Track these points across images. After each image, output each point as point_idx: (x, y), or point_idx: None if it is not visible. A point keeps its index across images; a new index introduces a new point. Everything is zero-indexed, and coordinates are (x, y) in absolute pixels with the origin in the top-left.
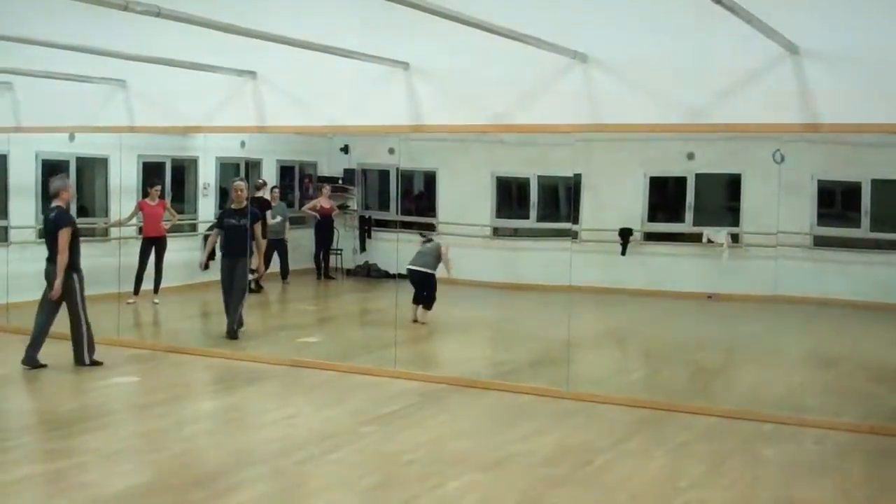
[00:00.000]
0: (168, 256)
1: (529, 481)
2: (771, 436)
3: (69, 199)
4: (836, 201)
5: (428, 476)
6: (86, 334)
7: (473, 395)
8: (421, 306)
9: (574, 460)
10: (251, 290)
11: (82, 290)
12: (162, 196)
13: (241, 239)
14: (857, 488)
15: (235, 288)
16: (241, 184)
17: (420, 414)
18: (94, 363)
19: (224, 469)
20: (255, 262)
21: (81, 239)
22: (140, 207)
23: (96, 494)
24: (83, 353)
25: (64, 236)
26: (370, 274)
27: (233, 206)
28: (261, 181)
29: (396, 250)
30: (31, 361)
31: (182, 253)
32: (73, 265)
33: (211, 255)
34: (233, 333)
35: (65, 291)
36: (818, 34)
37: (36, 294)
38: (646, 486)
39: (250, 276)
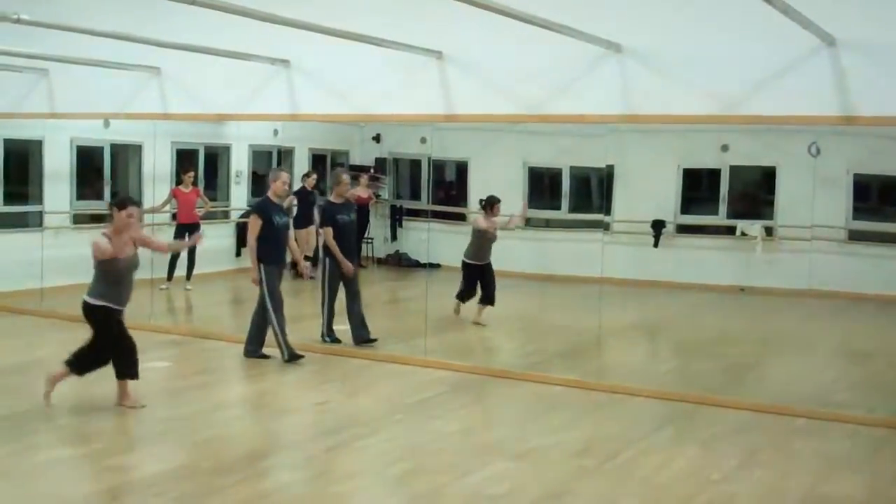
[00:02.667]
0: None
1: (559, 472)
2: (803, 430)
3: (279, 191)
4: (872, 195)
5: (457, 465)
6: (258, 329)
7: (504, 386)
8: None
9: (604, 452)
10: (293, 277)
11: (270, 282)
12: (195, 183)
13: (354, 236)
14: (889, 484)
15: (355, 291)
16: (346, 176)
17: (450, 403)
18: (258, 356)
19: (254, 454)
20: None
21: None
22: (174, 194)
23: (127, 478)
24: (248, 344)
25: (250, 224)
26: (401, 263)
27: (338, 201)
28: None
29: (427, 240)
30: (251, 354)
31: (215, 240)
32: (263, 257)
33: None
34: (367, 336)
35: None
36: (855, 25)
37: (70, 279)
38: (676, 478)
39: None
